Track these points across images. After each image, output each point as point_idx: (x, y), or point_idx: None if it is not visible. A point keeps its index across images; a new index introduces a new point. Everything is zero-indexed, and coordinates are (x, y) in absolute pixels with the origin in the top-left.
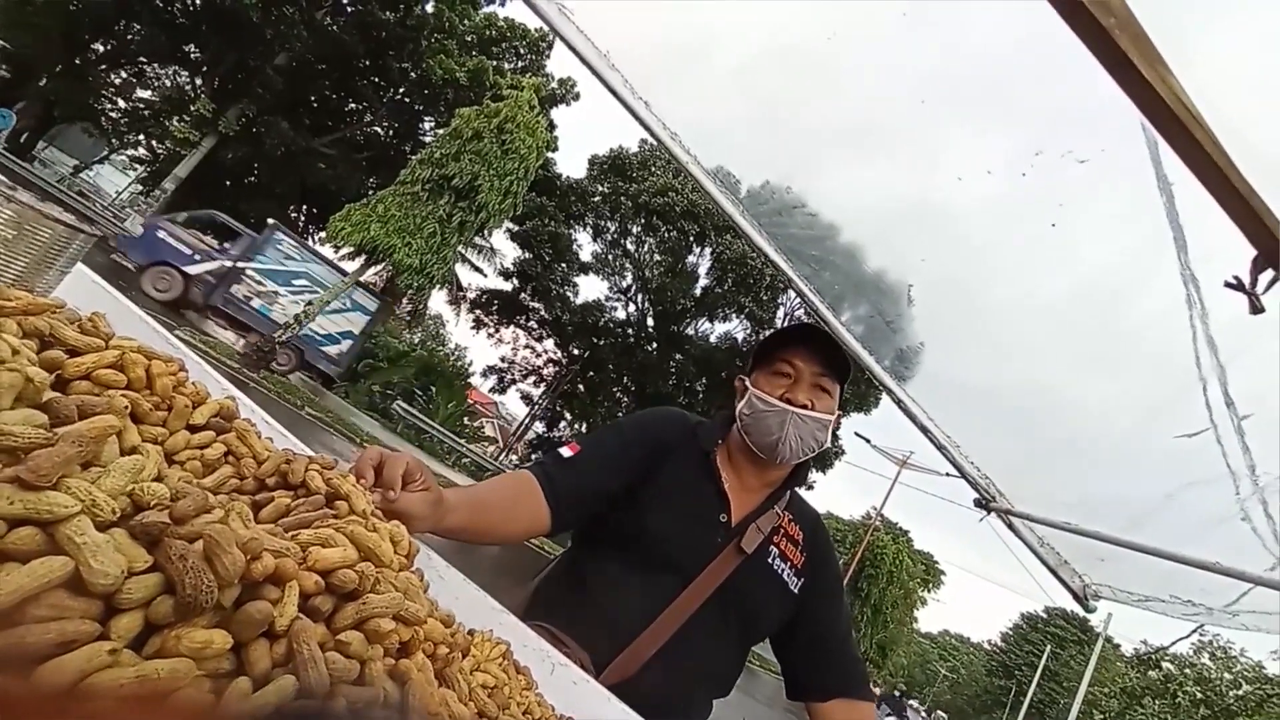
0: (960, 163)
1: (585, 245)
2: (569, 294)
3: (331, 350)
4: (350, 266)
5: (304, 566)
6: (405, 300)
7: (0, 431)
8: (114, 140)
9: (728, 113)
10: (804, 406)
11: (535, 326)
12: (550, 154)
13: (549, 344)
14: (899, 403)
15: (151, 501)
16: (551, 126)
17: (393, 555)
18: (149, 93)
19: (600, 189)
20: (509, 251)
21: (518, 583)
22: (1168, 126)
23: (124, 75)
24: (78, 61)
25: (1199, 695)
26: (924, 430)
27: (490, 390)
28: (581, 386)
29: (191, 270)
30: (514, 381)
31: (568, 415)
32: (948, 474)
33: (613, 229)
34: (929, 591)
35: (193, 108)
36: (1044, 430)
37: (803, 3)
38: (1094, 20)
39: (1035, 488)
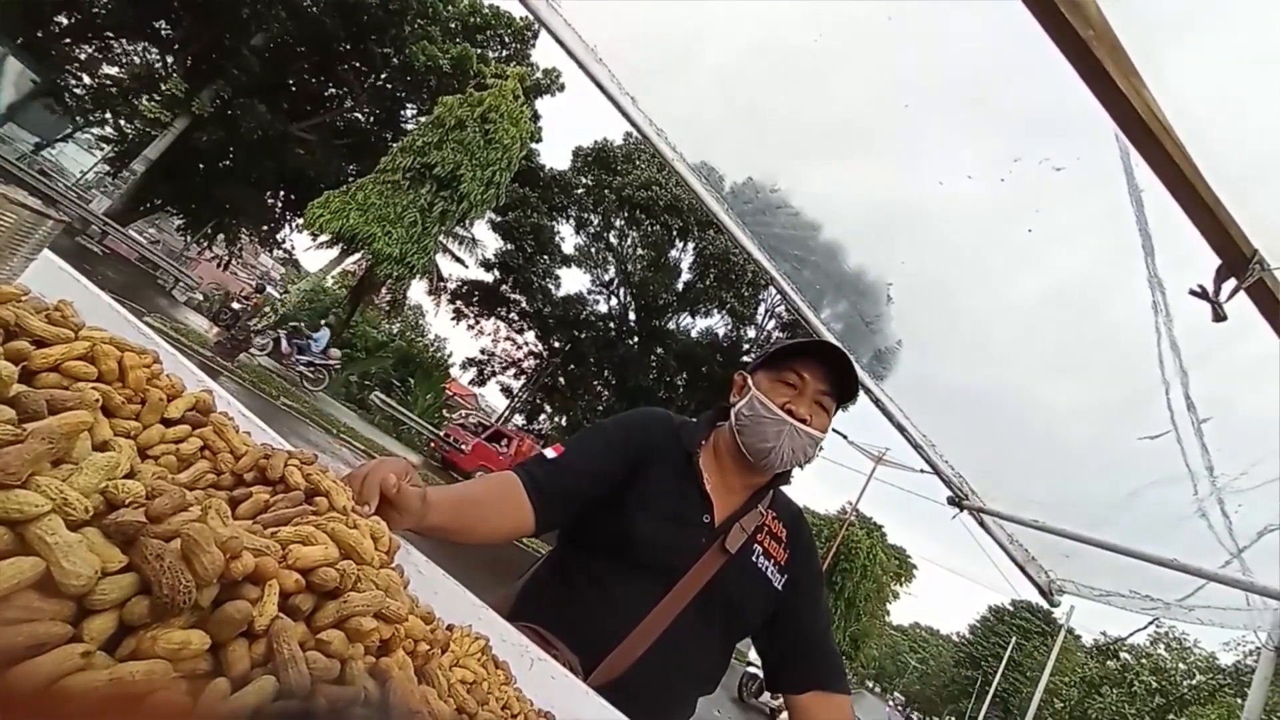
0: (941, 167)
1: (568, 237)
2: (550, 286)
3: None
4: (329, 255)
5: (284, 565)
6: (384, 290)
7: None
8: (78, 118)
9: (713, 110)
10: (803, 421)
11: (516, 319)
12: (534, 145)
13: (530, 336)
14: (876, 400)
15: (126, 500)
16: (536, 117)
17: (374, 552)
18: (116, 69)
19: (584, 181)
20: (491, 242)
21: (503, 581)
22: (1140, 137)
23: (89, 50)
24: (40, 35)
25: (1154, 685)
26: (900, 429)
27: (470, 382)
28: (562, 380)
29: None
30: (494, 374)
31: (548, 408)
32: (922, 470)
33: (596, 222)
34: (901, 585)
35: (164, 87)
36: (1014, 430)
37: (790, 4)
38: (1073, 31)
39: (1006, 486)
